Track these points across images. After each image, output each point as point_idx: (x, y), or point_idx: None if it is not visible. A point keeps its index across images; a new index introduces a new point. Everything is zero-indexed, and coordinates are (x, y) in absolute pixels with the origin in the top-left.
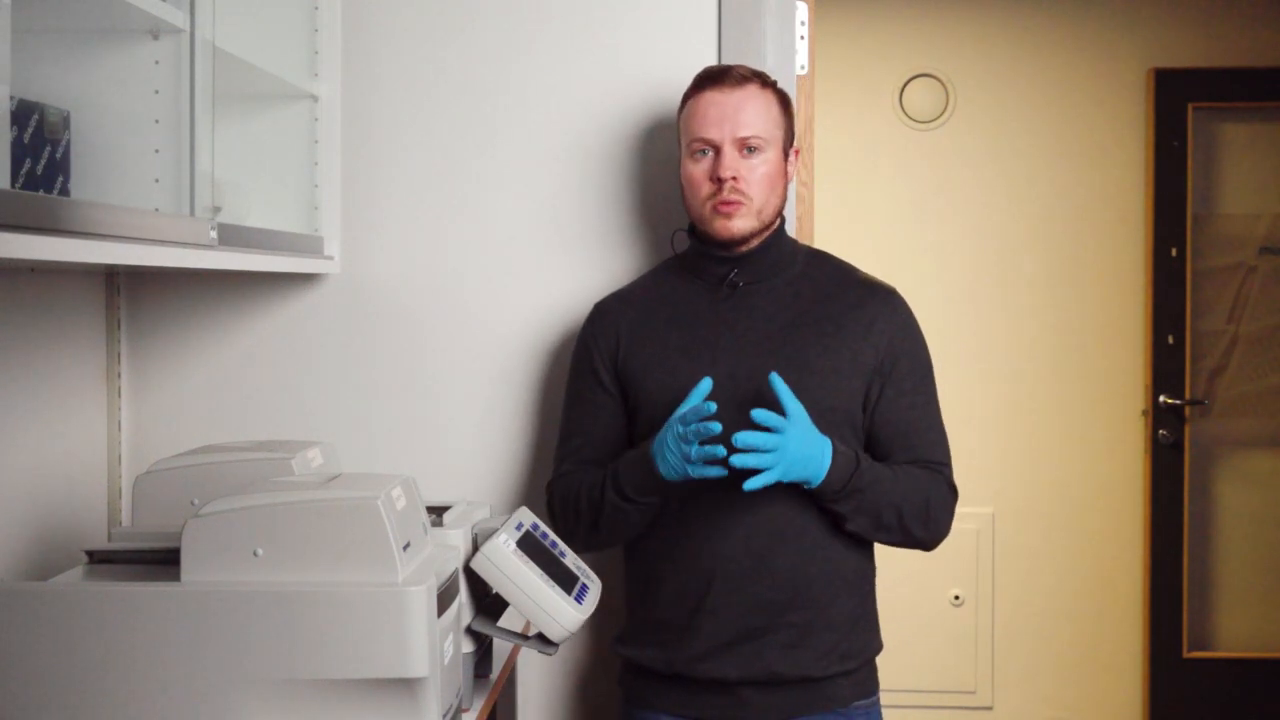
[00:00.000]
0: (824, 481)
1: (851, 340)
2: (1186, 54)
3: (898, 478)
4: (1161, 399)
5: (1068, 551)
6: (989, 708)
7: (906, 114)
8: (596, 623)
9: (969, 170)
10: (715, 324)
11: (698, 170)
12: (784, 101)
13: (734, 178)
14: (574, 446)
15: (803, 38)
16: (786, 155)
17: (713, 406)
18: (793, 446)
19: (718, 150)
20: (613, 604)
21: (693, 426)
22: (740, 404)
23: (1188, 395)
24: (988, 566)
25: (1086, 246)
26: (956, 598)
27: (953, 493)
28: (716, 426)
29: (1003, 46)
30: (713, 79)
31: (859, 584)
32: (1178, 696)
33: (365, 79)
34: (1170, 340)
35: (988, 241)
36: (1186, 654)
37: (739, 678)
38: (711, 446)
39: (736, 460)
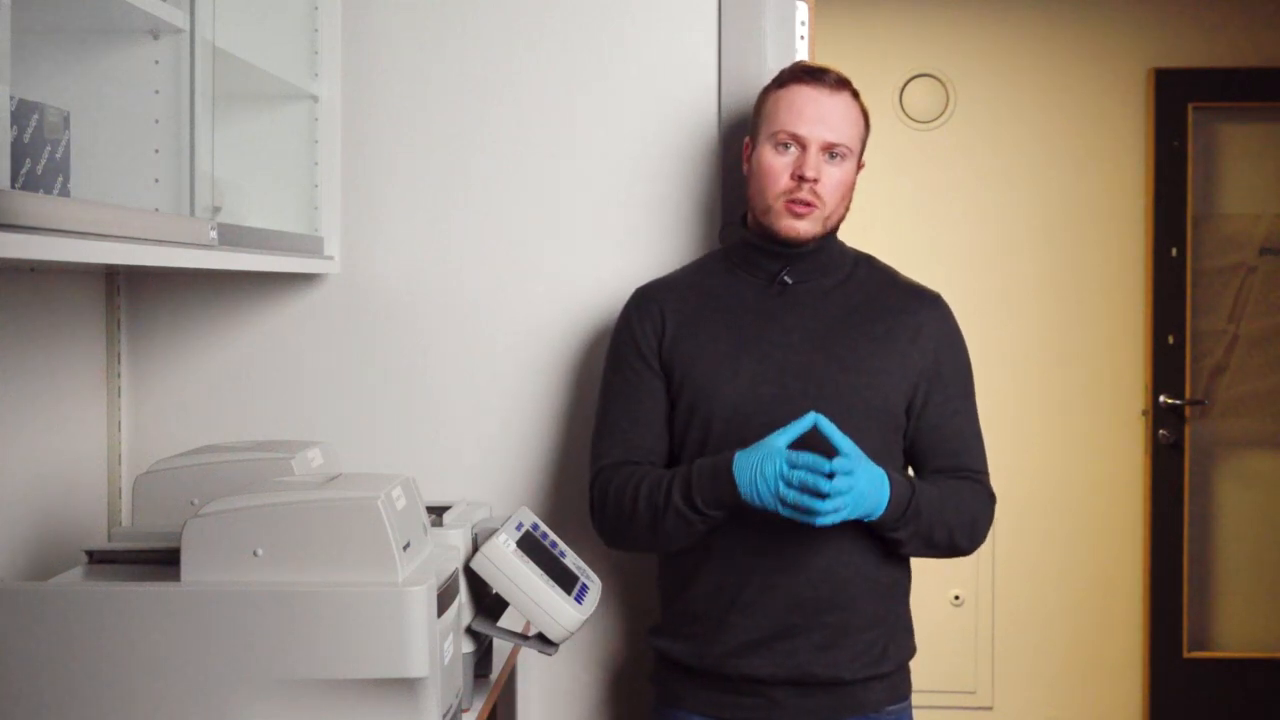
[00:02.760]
0: (885, 513)
1: (900, 343)
2: (1186, 54)
3: (945, 497)
4: (1161, 399)
5: (1068, 552)
6: (989, 708)
7: (906, 114)
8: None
9: (969, 170)
10: (764, 319)
11: (779, 163)
12: (866, 116)
13: (815, 179)
14: (620, 431)
15: (803, 38)
16: (857, 168)
17: (825, 465)
18: (859, 486)
19: (804, 148)
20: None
21: (801, 474)
22: (789, 400)
23: (1188, 395)
24: (988, 566)
25: (1086, 246)
26: (956, 598)
27: (993, 501)
28: (825, 485)
29: (1003, 46)
30: (810, 75)
31: (893, 588)
32: (1178, 696)
33: (365, 79)
34: (1170, 340)
35: (988, 242)
36: (1186, 654)
37: (770, 676)
38: (811, 499)
39: (820, 517)
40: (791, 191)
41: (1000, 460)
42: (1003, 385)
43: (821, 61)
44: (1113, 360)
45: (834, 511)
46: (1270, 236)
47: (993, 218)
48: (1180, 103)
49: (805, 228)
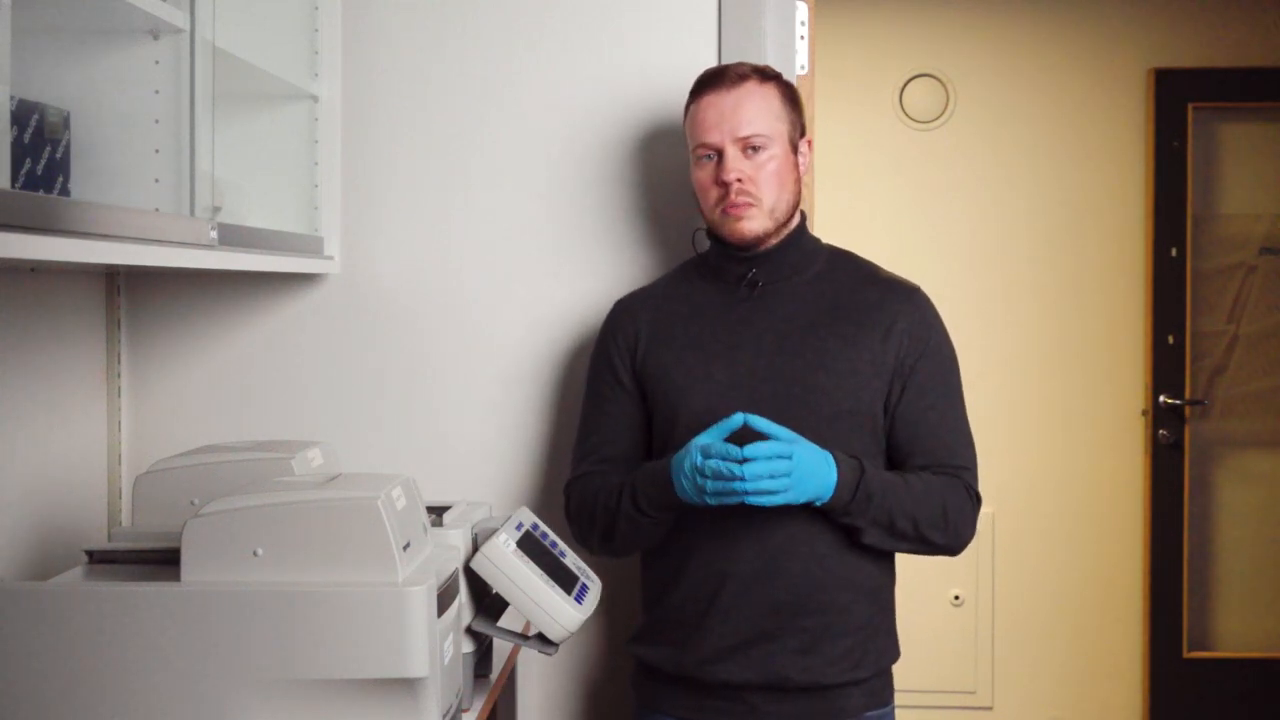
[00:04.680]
0: (833, 495)
1: (871, 341)
2: (1186, 54)
3: (910, 485)
4: (1161, 399)
5: (1068, 551)
6: (989, 708)
7: (906, 114)
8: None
9: (969, 170)
10: (734, 323)
11: (704, 175)
12: (788, 93)
13: (739, 179)
14: (592, 445)
15: (803, 38)
16: (796, 149)
17: (738, 452)
18: (802, 466)
19: (720, 153)
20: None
21: (712, 463)
22: (758, 404)
23: (1188, 395)
24: (988, 566)
25: (1087, 246)
26: (956, 598)
27: (973, 497)
28: (738, 470)
29: (1003, 46)
30: (709, 81)
31: (876, 592)
32: (1178, 696)
33: (365, 79)
34: (1170, 340)
35: (987, 242)
36: (1186, 654)
37: (747, 682)
38: (727, 484)
39: (751, 498)
40: (722, 199)
41: (1000, 460)
42: (1003, 385)
43: (821, 61)
44: (1113, 360)
45: (782, 491)
46: (1270, 236)
47: (993, 218)
48: (1180, 103)
49: (749, 226)
